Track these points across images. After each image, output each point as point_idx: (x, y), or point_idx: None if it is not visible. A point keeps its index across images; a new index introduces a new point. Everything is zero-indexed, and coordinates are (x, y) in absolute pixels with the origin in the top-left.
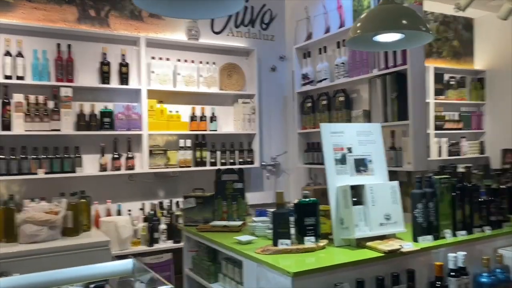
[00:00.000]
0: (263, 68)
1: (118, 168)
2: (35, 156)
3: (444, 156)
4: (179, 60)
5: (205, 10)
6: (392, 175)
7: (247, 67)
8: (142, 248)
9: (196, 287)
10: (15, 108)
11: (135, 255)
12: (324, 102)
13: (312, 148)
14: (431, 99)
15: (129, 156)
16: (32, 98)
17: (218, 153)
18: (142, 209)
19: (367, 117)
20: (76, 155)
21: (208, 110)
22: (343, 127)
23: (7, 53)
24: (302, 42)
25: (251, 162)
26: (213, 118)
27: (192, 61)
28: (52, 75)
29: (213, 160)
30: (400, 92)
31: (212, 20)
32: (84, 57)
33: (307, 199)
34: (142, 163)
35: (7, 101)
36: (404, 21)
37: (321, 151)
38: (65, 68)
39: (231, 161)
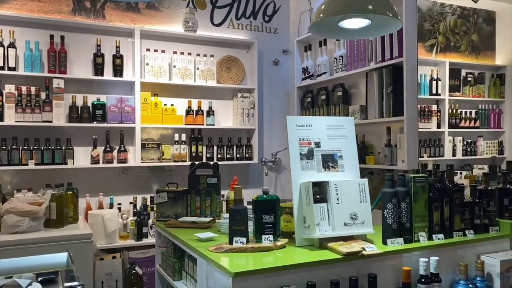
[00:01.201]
0: (265, 62)
1: (110, 161)
2: (26, 147)
3: (459, 155)
4: (175, 53)
5: None
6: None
7: (247, 61)
8: (130, 242)
9: (166, 284)
10: (6, 99)
11: (122, 249)
12: (323, 97)
13: None
14: (445, 95)
15: (122, 149)
16: (24, 89)
17: (215, 148)
18: (132, 203)
19: (364, 112)
20: (68, 147)
21: (205, 104)
22: (311, 120)
23: None
24: (304, 35)
25: (250, 158)
26: (210, 112)
27: (189, 54)
28: (45, 67)
29: (209, 155)
30: (396, 86)
31: (212, 12)
32: (78, 49)
33: (266, 196)
34: (135, 157)
35: None
36: (370, 6)
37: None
38: (57, 60)
39: (229, 156)
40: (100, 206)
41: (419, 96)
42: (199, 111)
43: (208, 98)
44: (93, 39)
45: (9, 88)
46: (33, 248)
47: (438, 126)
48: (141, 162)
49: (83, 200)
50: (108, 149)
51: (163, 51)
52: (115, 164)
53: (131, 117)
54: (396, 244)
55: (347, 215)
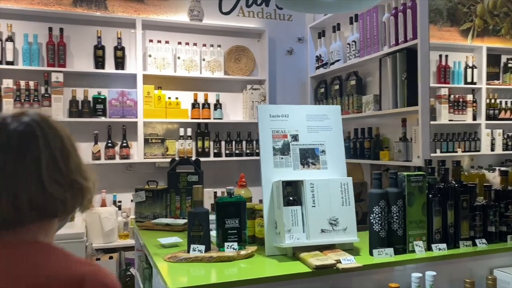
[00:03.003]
0: (278, 51)
1: (112, 157)
2: None
3: (498, 150)
4: (180, 43)
5: None
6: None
7: (258, 50)
8: (131, 241)
9: None
10: (5, 94)
11: (120, 249)
12: (336, 87)
13: None
14: (483, 84)
15: (124, 144)
16: (22, 83)
17: (223, 143)
18: (133, 200)
19: (378, 102)
20: None
21: (212, 97)
22: (288, 109)
23: None
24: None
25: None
26: (217, 106)
27: (195, 44)
28: (44, 60)
29: (216, 151)
30: (410, 73)
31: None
32: (78, 41)
33: (230, 197)
34: (139, 152)
35: None
36: None
37: None
38: (56, 53)
39: (237, 152)
40: (103, 204)
41: (452, 85)
42: (205, 105)
43: (215, 90)
44: (94, 31)
45: (7, 82)
46: None
47: (474, 118)
48: (144, 158)
49: None
50: (109, 144)
51: (167, 42)
52: (117, 160)
53: (134, 111)
54: (385, 255)
55: (325, 221)
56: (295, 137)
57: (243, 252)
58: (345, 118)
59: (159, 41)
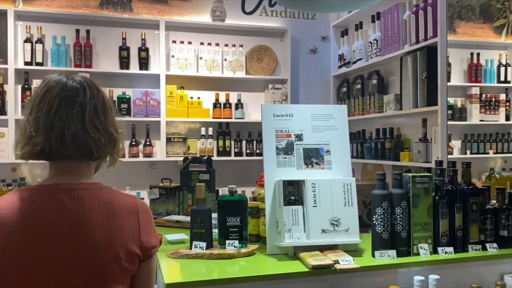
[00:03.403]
0: (301, 50)
1: (136, 155)
2: None
3: None
4: (202, 44)
5: None
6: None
7: (280, 50)
8: None
9: None
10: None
11: None
12: (358, 86)
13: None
14: None
15: (147, 143)
16: None
17: (244, 142)
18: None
19: (399, 102)
20: None
21: (233, 97)
22: (292, 108)
23: (27, 40)
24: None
25: None
26: (238, 105)
27: (217, 44)
28: (71, 61)
29: (237, 150)
30: (430, 72)
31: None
32: (104, 43)
33: (232, 195)
34: (161, 151)
35: (27, 86)
36: None
37: (356, 143)
38: (83, 54)
39: (258, 151)
40: None
41: (484, 84)
42: (226, 104)
43: (237, 90)
44: (119, 32)
45: (37, 83)
46: None
47: (507, 118)
48: (167, 157)
49: None
50: (133, 143)
51: (189, 43)
52: (140, 158)
53: (157, 111)
54: (387, 257)
55: (327, 221)
56: (299, 137)
57: (243, 250)
58: (367, 118)
59: (181, 42)
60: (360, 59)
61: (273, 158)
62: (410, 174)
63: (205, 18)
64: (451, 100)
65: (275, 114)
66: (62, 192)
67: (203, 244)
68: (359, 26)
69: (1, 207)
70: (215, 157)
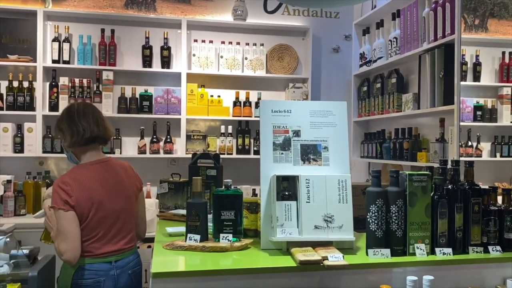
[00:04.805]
0: (323, 49)
1: (157, 152)
2: None
3: None
4: (223, 43)
5: None
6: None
7: (302, 49)
8: None
9: None
10: (61, 90)
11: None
12: (378, 85)
13: (369, 139)
14: None
15: (168, 140)
16: (77, 81)
17: None
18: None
19: (417, 101)
20: (116, 136)
21: (253, 95)
22: (291, 104)
23: (55, 39)
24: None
25: None
26: (258, 104)
27: (238, 43)
28: (96, 59)
29: (256, 148)
30: (447, 70)
31: None
32: (128, 42)
33: (227, 189)
34: (181, 148)
35: (54, 84)
36: None
37: (376, 143)
38: (107, 53)
39: None
40: (148, 196)
41: None
42: (246, 103)
43: (257, 89)
44: (142, 31)
45: (63, 80)
46: None
47: None
48: (186, 153)
49: None
50: (154, 139)
51: (210, 42)
52: (161, 154)
53: (177, 109)
54: (380, 256)
55: (320, 217)
56: (296, 133)
57: (237, 244)
58: (386, 118)
59: (203, 41)
60: (380, 58)
61: (269, 153)
62: (408, 172)
63: (226, 17)
64: (480, 101)
65: (273, 110)
66: (102, 162)
67: (197, 237)
68: (380, 24)
69: (80, 172)
70: (234, 155)
